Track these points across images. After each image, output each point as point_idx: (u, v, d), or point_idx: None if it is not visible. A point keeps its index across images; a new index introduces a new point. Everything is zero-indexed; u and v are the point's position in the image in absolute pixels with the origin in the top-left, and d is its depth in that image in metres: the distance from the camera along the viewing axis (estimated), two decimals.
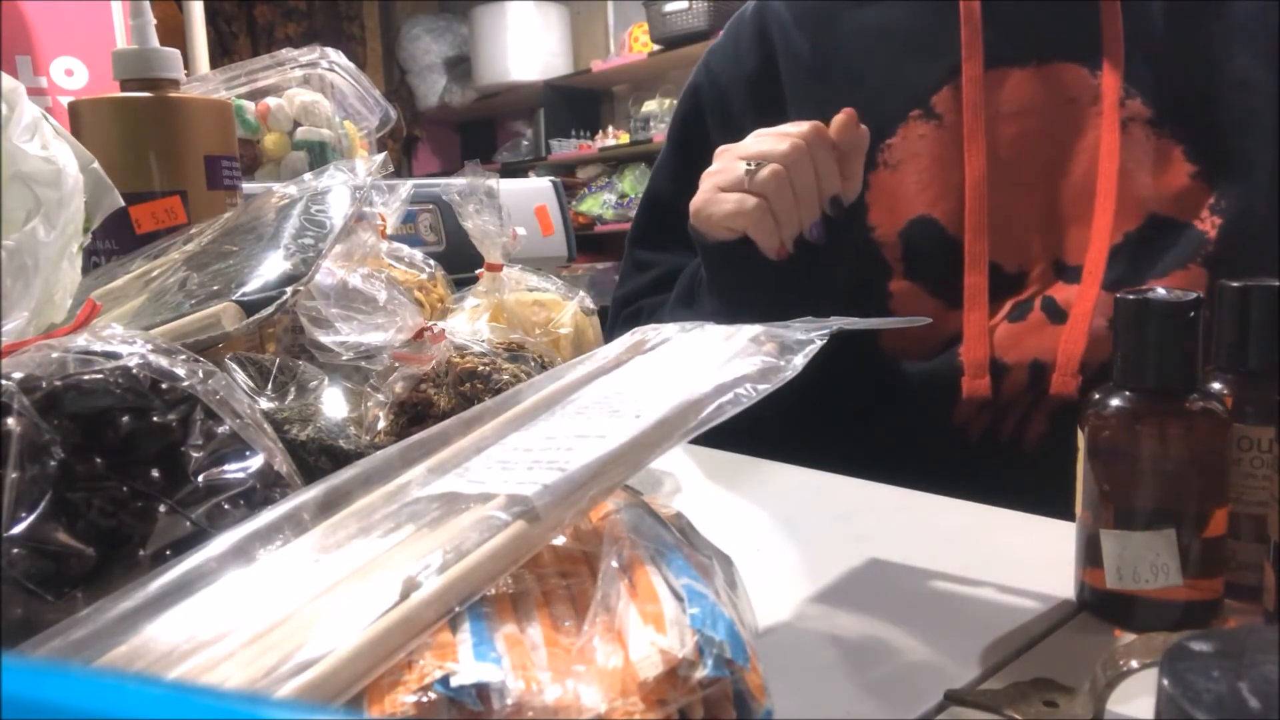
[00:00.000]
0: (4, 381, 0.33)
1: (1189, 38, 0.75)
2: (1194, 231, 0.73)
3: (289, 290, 0.50)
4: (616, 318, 0.93)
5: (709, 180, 0.73)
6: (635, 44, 4.12)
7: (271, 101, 1.04)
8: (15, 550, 0.30)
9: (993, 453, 0.75)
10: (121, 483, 0.33)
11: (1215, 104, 0.74)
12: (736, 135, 0.87)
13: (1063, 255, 0.76)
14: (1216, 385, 0.42)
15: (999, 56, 0.77)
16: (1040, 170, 0.76)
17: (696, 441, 0.35)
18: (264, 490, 0.36)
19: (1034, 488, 0.56)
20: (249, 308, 0.48)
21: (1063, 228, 0.76)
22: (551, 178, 1.32)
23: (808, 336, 0.38)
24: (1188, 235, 0.73)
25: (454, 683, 0.25)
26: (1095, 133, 0.75)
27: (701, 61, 0.93)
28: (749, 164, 0.69)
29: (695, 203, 0.74)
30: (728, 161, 0.72)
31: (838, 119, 0.70)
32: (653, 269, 0.91)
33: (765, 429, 0.58)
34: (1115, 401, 0.41)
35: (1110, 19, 0.75)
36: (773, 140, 0.69)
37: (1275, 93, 0.73)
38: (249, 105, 1.03)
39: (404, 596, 0.27)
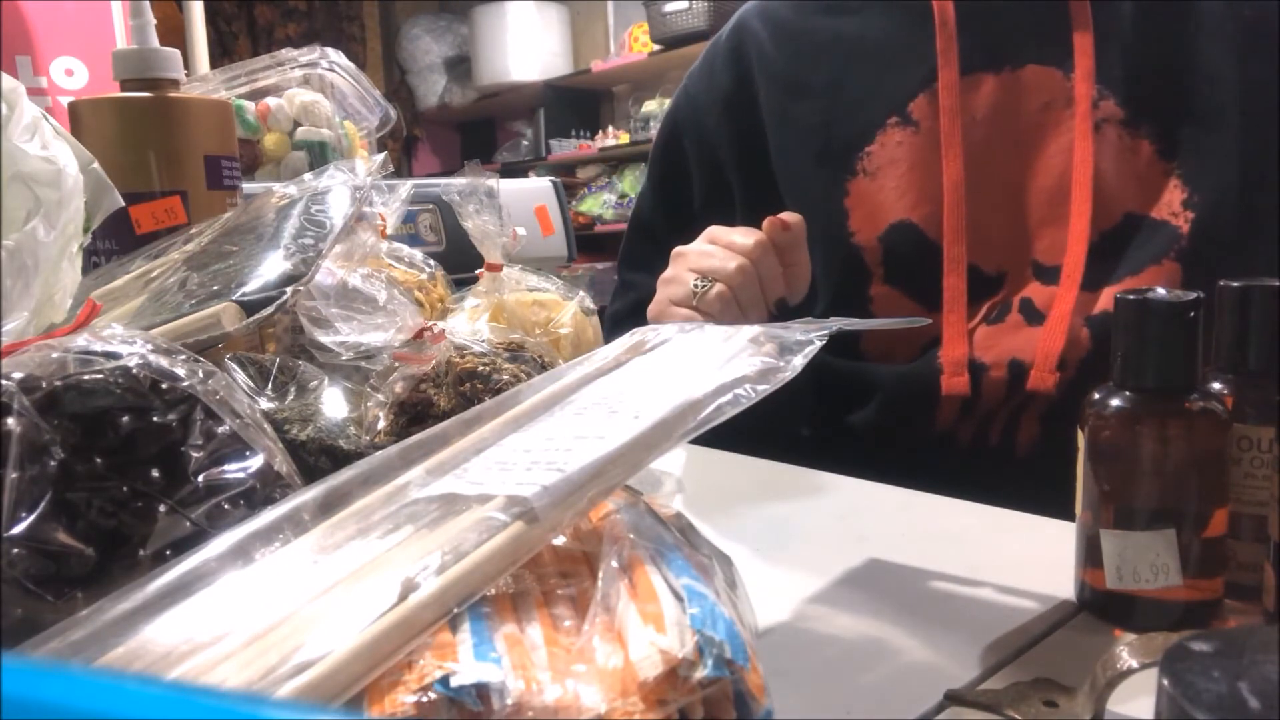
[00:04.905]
0: (4, 381, 0.33)
1: (1159, 37, 0.76)
2: (1168, 228, 0.73)
3: (289, 290, 0.49)
4: (609, 333, 0.94)
5: (662, 289, 0.76)
6: (635, 44, 4.12)
7: (271, 101, 1.04)
8: (15, 550, 0.30)
9: (985, 460, 0.75)
10: (121, 483, 0.33)
11: (1186, 101, 0.74)
12: (713, 155, 0.88)
13: (1040, 257, 0.76)
14: (1216, 385, 0.42)
15: (974, 62, 0.78)
16: (1017, 173, 0.77)
17: (696, 441, 0.35)
18: (264, 490, 0.36)
19: (1029, 493, 0.56)
20: (249, 308, 0.48)
21: (1039, 230, 0.76)
22: (551, 178, 1.32)
23: (807, 337, 0.38)
24: (1161, 231, 0.73)
25: (454, 683, 0.25)
26: (1069, 135, 0.75)
27: (680, 86, 0.95)
28: (698, 282, 0.72)
29: (651, 310, 0.77)
30: (680, 270, 0.74)
31: (771, 222, 0.72)
32: (634, 291, 0.94)
33: (754, 433, 0.58)
34: (1115, 401, 0.41)
35: (1081, 22, 0.76)
36: (721, 258, 0.72)
37: (1243, 88, 0.74)
38: (249, 105, 1.03)
39: (402, 598, 0.27)
